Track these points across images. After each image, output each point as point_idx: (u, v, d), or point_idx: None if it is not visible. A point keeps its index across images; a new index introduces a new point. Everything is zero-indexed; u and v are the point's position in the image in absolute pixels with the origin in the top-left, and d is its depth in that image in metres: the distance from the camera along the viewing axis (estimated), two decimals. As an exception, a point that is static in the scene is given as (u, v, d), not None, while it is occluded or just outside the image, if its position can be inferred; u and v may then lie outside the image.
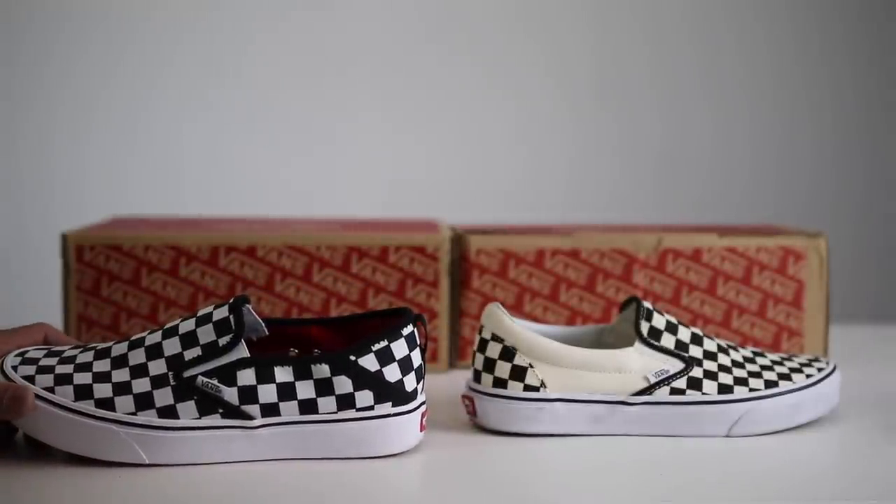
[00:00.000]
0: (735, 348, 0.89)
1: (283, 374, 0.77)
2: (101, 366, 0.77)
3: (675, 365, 0.85)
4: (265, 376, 0.77)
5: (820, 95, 1.92)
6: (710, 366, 0.85)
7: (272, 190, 1.78)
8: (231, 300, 0.79)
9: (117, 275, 1.07)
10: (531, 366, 0.84)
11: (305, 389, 0.77)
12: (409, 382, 0.80)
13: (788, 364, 0.89)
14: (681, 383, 0.84)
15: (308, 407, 0.77)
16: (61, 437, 0.76)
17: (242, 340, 0.77)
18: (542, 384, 0.84)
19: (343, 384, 0.77)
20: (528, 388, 0.84)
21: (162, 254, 1.08)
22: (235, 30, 1.82)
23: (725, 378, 0.85)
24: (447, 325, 1.09)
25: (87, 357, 0.78)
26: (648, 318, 0.86)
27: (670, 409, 0.84)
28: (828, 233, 1.14)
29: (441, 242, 1.09)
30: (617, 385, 0.84)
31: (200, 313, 0.78)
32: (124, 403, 0.76)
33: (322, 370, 0.77)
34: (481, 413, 0.85)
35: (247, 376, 0.76)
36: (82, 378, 0.77)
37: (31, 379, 0.77)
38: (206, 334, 0.77)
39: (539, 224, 1.24)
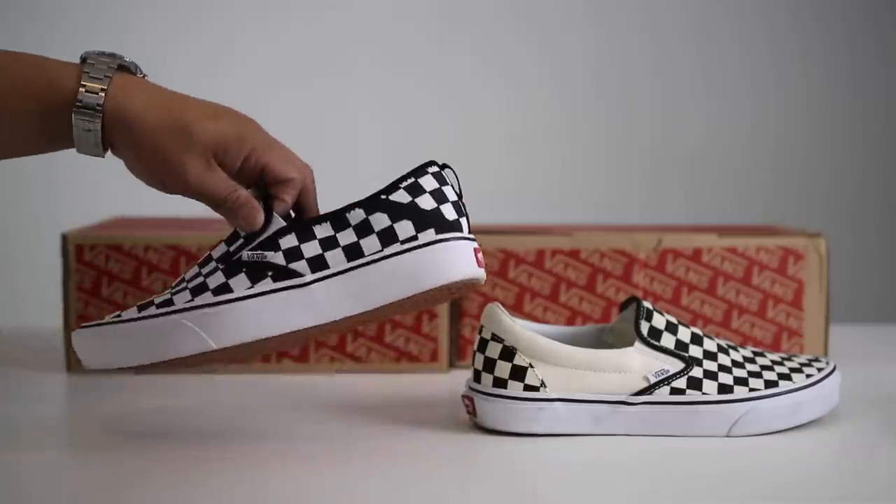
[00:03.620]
0: (735, 348, 0.89)
1: (322, 230, 0.78)
2: (162, 294, 0.79)
3: (675, 365, 0.85)
4: (306, 236, 0.78)
5: (820, 95, 1.92)
6: (710, 366, 0.85)
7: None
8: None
9: (117, 275, 1.07)
10: (531, 366, 0.84)
11: (346, 236, 0.78)
12: (448, 212, 0.79)
13: (788, 364, 0.89)
14: (681, 383, 0.84)
15: (353, 251, 0.78)
16: (133, 351, 0.77)
17: (276, 214, 0.79)
18: (542, 384, 0.84)
19: (380, 220, 0.78)
20: (528, 388, 0.84)
21: (162, 254, 1.08)
22: (234, 29, 1.82)
23: (725, 378, 0.85)
24: (447, 325, 1.09)
25: (147, 297, 0.81)
26: (648, 318, 0.86)
27: (670, 409, 0.84)
28: (827, 233, 1.14)
29: (441, 242, 1.09)
30: (617, 385, 0.84)
31: None
32: (182, 297, 0.78)
33: (357, 215, 0.78)
34: (481, 413, 0.85)
35: (289, 240, 0.78)
36: (144, 300, 0.79)
37: (98, 320, 0.79)
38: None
39: (539, 224, 1.24)
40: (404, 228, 0.78)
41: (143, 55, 1.80)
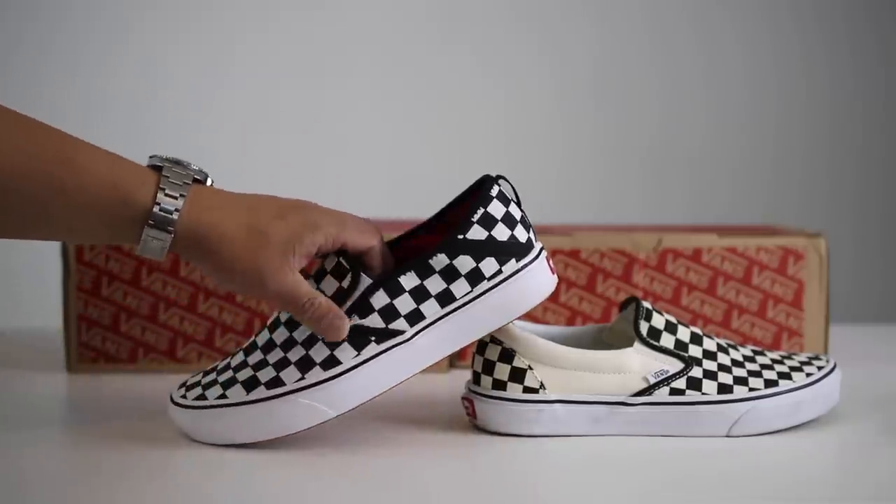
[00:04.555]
0: (735, 347, 0.89)
1: (408, 280, 0.79)
2: (255, 357, 0.81)
3: (675, 365, 0.85)
4: (395, 291, 0.79)
5: (820, 95, 1.92)
6: (709, 365, 0.85)
7: (272, 190, 1.78)
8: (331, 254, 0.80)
9: (117, 275, 1.07)
10: (530, 367, 0.84)
11: (435, 284, 0.80)
12: (521, 234, 0.82)
13: (788, 363, 0.89)
14: (680, 383, 0.84)
15: (445, 298, 0.80)
16: (248, 430, 0.79)
17: (361, 273, 0.79)
18: (542, 386, 0.84)
19: (465, 263, 0.80)
20: (527, 389, 0.84)
21: (162, 254, 1.07)
22: (234, 29, 1.82)
23: (725, 378, 0.85)
24: (447, 326, 1.09)
25: (238, 358, 0.82)
26: (648, 318, 0.85)
27: (670, 409, 0.84)
28: (827, 233, 1.14)
29: (441, 242, 1.09)
30: (616, 386, 0.84)
31: (313, 272, 0.81)
32: (290, 374, 0.79)
33: (441, 260, 0.80)
34: (481, 415, 0.85)
35: (380, 298, 0.79)
36: (244, 374, 0.80)
37: (202, 397, 0.80)
38: (330, 284, 0.79)
39: (539, 224, 1.24)
40: (489, 265, 0.81)
41: (143, 55, 1.81)
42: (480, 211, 0.81)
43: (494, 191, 0.82)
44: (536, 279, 0.82)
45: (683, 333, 0.86)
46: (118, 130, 1.75)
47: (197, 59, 1.81)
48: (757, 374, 0.86)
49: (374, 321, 0.79)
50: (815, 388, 0.87)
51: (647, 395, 0.84)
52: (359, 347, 0.79)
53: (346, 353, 0.79)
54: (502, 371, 0.84)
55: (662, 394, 0.84)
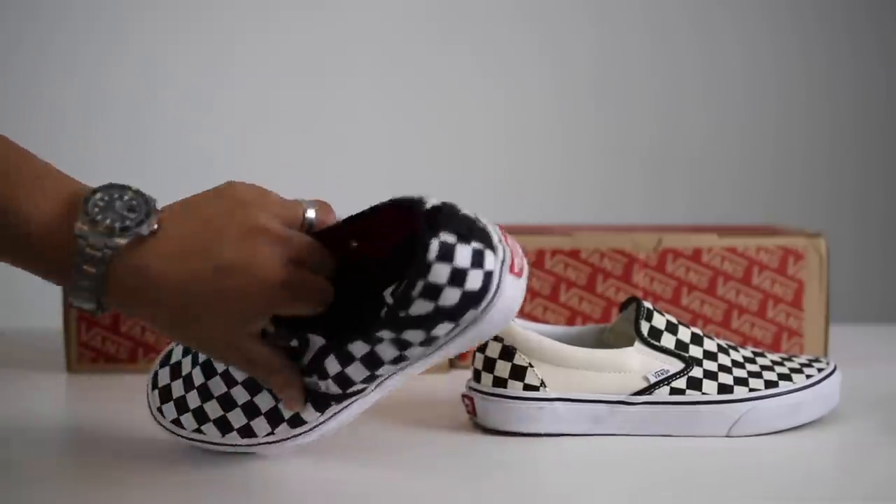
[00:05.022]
0: (735, 348, 0.89)
1: (358, 348, 0.72)
2: (216, 385, 0.78)
3: (675, 365, 0.85)
4: (346, 359, 0.73)
5: (820, 95, 1.92)
6: (710, 366, 0.85)
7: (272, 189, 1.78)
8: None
9: (117, 275, 1.07)
10: (531, 365, 0.84)
11: (387, 351, 0.72)
12: (474, 280, 0.69)
13: (788, 364, 0.89)
14: (681, 383, 0.84)
15: (400, 360, 0.73)
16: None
17: (310, 335, 0.73)
18: (542, 384, 0.84)
19: (415, 336, 0.71)
20: (527, 387, 0.84)
21: (162, 254, 1.07)
22: (234, 29, 1.82)
23: (725, 378, 0.85)
24: (447, 325, 1.09)
25: (199, 377, 0.78)
26: (648, 318, 0.85)
27: (670, 409, 0.84)
28: (827, 233, 1.14)
29: (441, 242, 1.08)
30: (617, 385, 0.84)
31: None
32: (260, 426, 0.77)
33: (388, 334, 0.71)
34: (481, 413, 0.85)
35: (332, 365, 0.73)
36: (213, 409, 0.78)
37: (177, 422, 0.79)
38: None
39: (539, 224, 1.24)
40: (443, 328, 0.70)
41: (143, 55, 1.80)
42: (420, 284, 0.68)
43: (433, 252, 0.68)
44: (499, 313, 0.71)
45: (684, 334, 0.86)
46: (118, 130, 1.75)
47: (197, 59, 1.81)
48: (757, 375, 0.86)
49: (331, 387, 0.75)
50: (816, 389, 0.87)
51: (648, 394, 0.84)
52: (321, 409, 0.77)
53: (310, 414, 0.77)
54: (503, 368, 0.84)
55: (663, 393, 0.84)
